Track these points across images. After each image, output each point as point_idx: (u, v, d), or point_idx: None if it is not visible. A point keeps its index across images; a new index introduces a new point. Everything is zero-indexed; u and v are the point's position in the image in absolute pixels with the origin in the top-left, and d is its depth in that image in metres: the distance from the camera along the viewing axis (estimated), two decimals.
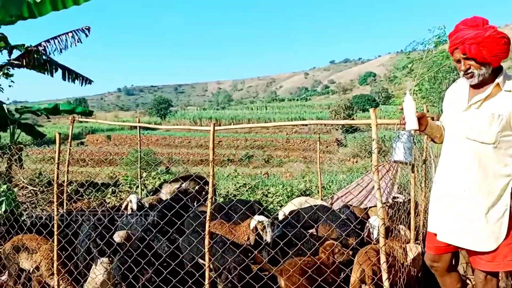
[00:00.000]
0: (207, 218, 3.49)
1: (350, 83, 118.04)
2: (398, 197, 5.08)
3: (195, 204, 5.89)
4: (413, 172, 3.96)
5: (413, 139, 3.10)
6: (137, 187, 7.92)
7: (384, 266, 3.03)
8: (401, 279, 3.47)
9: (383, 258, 3.03)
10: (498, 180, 2.60)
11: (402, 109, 2.86)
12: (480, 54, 2.56)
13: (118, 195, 8.21)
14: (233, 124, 50.47)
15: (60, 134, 4.20)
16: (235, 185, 9.27)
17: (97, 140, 38.78)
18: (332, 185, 9.95)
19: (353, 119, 44.82)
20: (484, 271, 2.66)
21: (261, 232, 4.26)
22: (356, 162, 25.45)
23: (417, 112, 2.82)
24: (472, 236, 2.65)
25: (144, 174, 9.06)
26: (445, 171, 2.83)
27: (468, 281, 4.11)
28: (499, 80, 2.58)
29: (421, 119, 2.80)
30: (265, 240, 4.22)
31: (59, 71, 11.16)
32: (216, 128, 3.66)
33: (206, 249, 3.45)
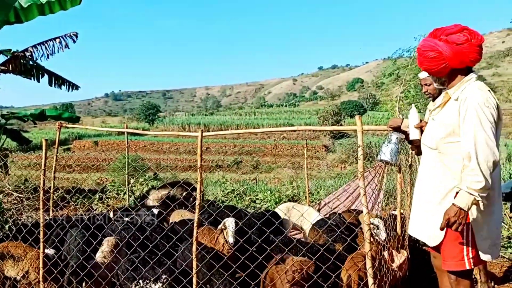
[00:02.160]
0: (195, 224, 3.49)
1: (338, 89, 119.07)
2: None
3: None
4: (400, 172, 4.02)
5: (402, 143, 3.19)
6: (125, 193, 7.88)
7: (370, 271, 3.07)
8: (387, 284, 3.51)
9: (369, 263, 3.07)
10: (443, 183, 2.71)
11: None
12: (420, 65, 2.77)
13: (105, 201, 8.16)
14: (223, 130, 50.50)
15: (46, 140, 4.19)
16: (223, 191, 9.27)
17: (84, 146, 38.38)
18: (321, 191, 9.99)
19: (341, 125, 45.00)
20: (453, 272, 2.75)
21: (224, 233, 4.28)
22: (344, 167, 25.58)
23: (420, 121, 2.97)
24: (422, 231, 2.86)
25: (132, 180, 9.02)
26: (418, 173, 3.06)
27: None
28: (449, 89, 2.69)
29: (423, 127, 2.95)
30: (227, 241, 4.23)
31: (46, 76, 11.09)
32: (204, 134, 3.68)
33: (194, 255, 3.45)
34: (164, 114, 76.81)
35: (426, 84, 3.89)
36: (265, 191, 8.99)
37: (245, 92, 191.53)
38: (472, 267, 2.68)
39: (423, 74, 3.93)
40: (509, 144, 29.18)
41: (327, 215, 5.75)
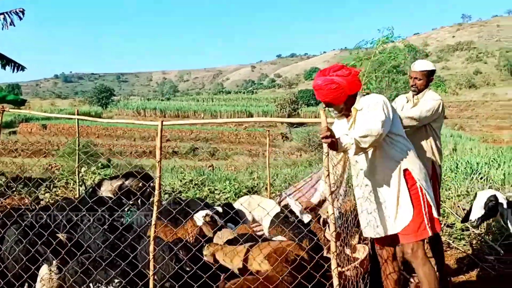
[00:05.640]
0: (153, 222, 3.27)
1: (296, 77, 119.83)
2: None
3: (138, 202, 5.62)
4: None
5: None
6: (75, 182, 7.43)
7: (335, 272, 2.97)
8: (350, 283, 3.45)
9: (334, 264, 2.97)
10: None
11: None
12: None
13: (53, 191, 7.67)
14: (180, 116, 49.50)
15: None
16: (181, 180, 8.99)
17: (31, 130, 36.54)
18: (277, 179, 9.88)
19: (298, 113, 45.55)
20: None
21: (205, 228, 4.12)
22: (300, 155, 25.90)
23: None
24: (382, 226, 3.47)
25: (83, 169, 8.54)
26: None
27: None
28: (354, 106, 3.26)
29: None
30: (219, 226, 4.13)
31: None
32: (164, 123, 3.44)
33: (151, 256, 3.22)
34: (119, 98, 74.28)
35: (416, 78, 3.99)
36: (223, 181, 8.81)
37: (203, 77, 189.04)
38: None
39: (416, 67, 3.99)
40: (454, 134, 30.73)
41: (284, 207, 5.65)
